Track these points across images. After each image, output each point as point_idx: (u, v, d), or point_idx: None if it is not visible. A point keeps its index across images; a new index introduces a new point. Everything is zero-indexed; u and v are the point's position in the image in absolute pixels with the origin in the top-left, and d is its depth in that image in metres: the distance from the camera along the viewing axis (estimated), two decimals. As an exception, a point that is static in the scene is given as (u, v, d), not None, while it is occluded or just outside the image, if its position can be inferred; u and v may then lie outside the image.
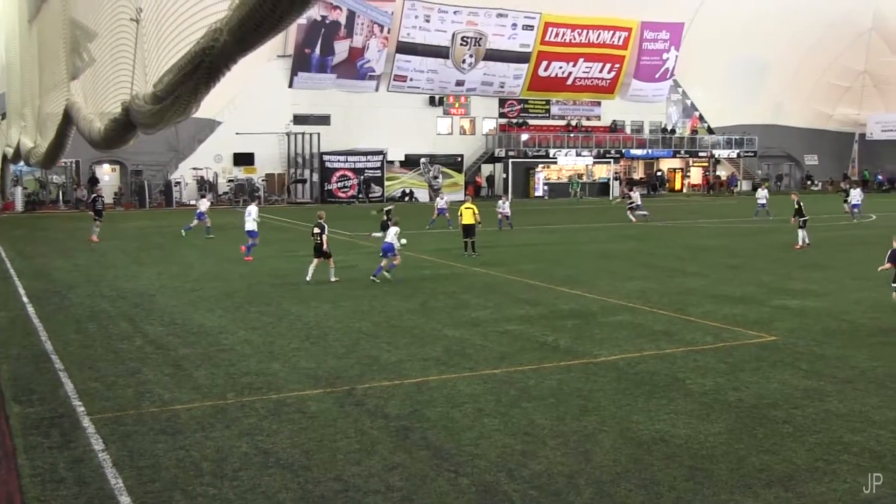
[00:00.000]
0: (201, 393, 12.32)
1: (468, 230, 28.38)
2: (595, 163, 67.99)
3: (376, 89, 61.96)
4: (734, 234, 37.01)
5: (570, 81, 68.47)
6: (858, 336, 16.10)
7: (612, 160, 68.73)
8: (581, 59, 67.36)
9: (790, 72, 74.52)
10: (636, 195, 44.05)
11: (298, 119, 59.87)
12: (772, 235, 35.75)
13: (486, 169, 66.66)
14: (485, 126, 67.98)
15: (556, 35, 65.37)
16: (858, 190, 46.39)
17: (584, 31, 66.13)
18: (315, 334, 16.27)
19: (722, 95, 73.47)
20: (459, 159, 62.93)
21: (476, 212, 28.47)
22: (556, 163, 66.92)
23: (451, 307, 19.16)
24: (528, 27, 64.24)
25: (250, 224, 28.66)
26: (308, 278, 22.69)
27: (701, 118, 75.78)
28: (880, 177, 78.91)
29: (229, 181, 57.52)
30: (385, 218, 29.90)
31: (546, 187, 65.23)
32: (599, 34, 66.74)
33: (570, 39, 65.97)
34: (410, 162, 61.16)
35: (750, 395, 12.19)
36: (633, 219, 41.22)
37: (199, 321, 17.58)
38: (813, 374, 13.34)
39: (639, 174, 73.12)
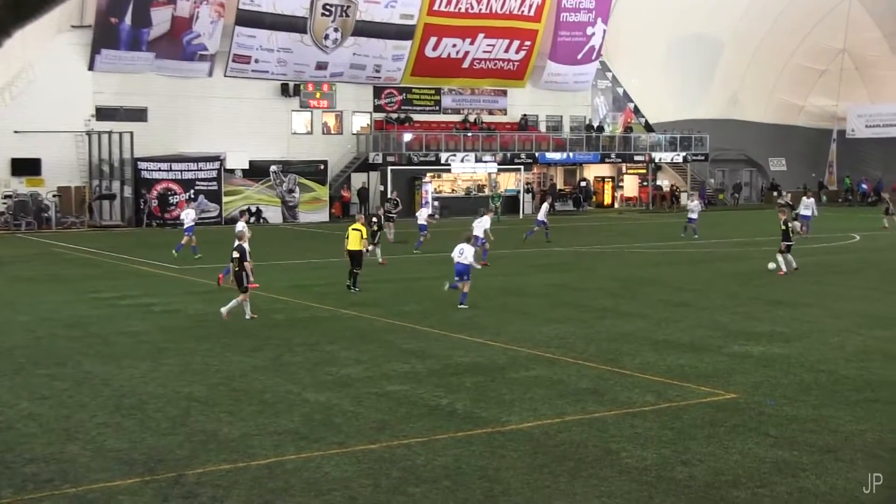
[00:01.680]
0: (-36, 490, 11.92)
1: (355, 258, 28.99)
2: (500, 170, 68.68)
3: (210, 74, 61.50)
4: (680, 261, 37.88)
5: (466, 64, 69.28)
6: (840, 392, 16.60)
7: (521, 167, 69.56)
8: (481, 35, 68.26)
9: (749, 52, 76.92)
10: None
11: (103, 113, 58.90)
12: (728, 263, 36.74)
13: (358, 179, 66.70)
14: (355, 123, 68.12)
15: (448, 2, 66.14)
16: (812, 200, 48.74)
17: (485, -1, 67.19)
18: (128, 404, 15.96)
19: (663, 83, 75.38)
20: (322, 167, 62.86)
21: (364, 235, 29.42)
22: (449, 170, 67.43)
23: (313, 362, 19.05)
24: (412, -8, 64.90)
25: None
26: (247, 316, 23.87)
27: (636, 111, 77.53)
28: (864, 185, 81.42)
29: (6, 197, 56.05)
30: (375, 228, 36.07)
31: (437, 203, 65.42)
32: (505, 1, 67.82)
33: (467, 9, 66.82)
34: (257, 171, 60.77)
35: (704, 470, 12.45)
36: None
37: (-35, 389, 17.05)
38: (784, 441, 13.68)
39: (558, 184, 74.21)
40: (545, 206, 46.60)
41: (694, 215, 47.24)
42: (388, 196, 53.87)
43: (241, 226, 29.36)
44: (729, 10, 72.58)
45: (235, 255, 23.94)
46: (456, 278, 25.96)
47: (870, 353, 19.58)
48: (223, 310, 23.76)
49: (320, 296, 28.12)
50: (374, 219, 37.54)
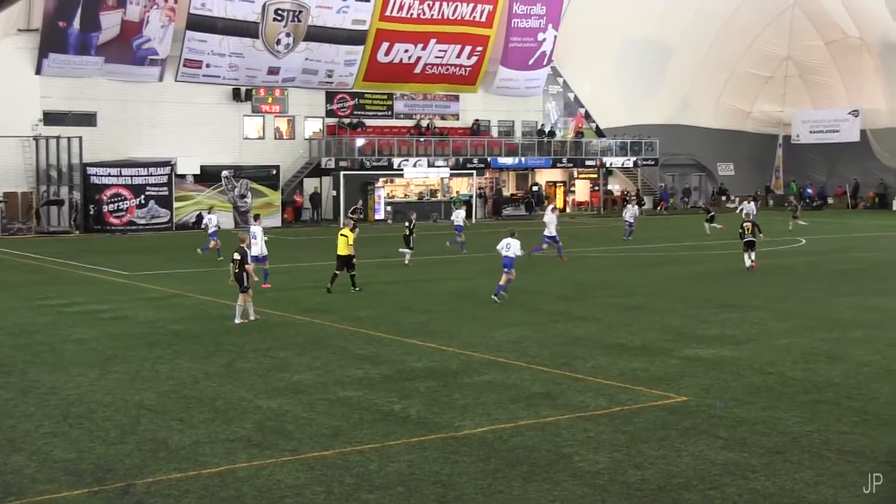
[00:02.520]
0: None
1: (343, 262, 29.74)
2: (452, 175, 68.74)
3: (160, 79, 61.03)
4: (632, 265, 38.09)
5: (418, 69, 69.25)
6: (788, 393, 16.77)
7: (474, 171, 69.66)
8: (433, 41, 68.27)
9: (697, 59, 77.53)
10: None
11: (51, 118, 58.28)
12: (679, 266, 36.99)
13: (310, 184, 66.56)
14: (307, 128, 67.92)
15: (401, 8, 66.09)
16: (752, 205, 50.94)
17: (437, 4, 67.14)
18: (76, 412, 15.77)
19: (613, 88, 75.77)
20: (274, 172, 62.64)
21: (350, 241, 29.55)
22: (402, 175, 67.37)
23: (266, 369, 18.96)
24: (363, -3, 64.80)
25: (258, 247, 30.08)
26: (237, 320, 24.03)
27: (587, 116, 77.87)
28: (809, 189, 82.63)
29: (-49, 205, 55.47)
30: (408, 232, 37.16)
31: (389, 208, 65.49)
32: (456, 7, 67.88)
33: (419, 14, 66.81)
34: (208, 176, 60.43)
35: (656, 473, 12.50)
36: None
37: None
38: (734, 443, 13.79)
39: (509, 189, 74.38)
40: (555, 217, 39.91)
41: (630, 219, 49.20)
42: (355, 206, 53.63)
43: (252, 229, 30.66)
44: (677, 17, 73.08)
45: (237, 256, 24.27)
46: (505, 269, 27.61)
47: (816, 355, 19.82)
48: (236, 320, 24.06)
49: (273, 301, 27.93)
50: (408, 223, 37.90)
